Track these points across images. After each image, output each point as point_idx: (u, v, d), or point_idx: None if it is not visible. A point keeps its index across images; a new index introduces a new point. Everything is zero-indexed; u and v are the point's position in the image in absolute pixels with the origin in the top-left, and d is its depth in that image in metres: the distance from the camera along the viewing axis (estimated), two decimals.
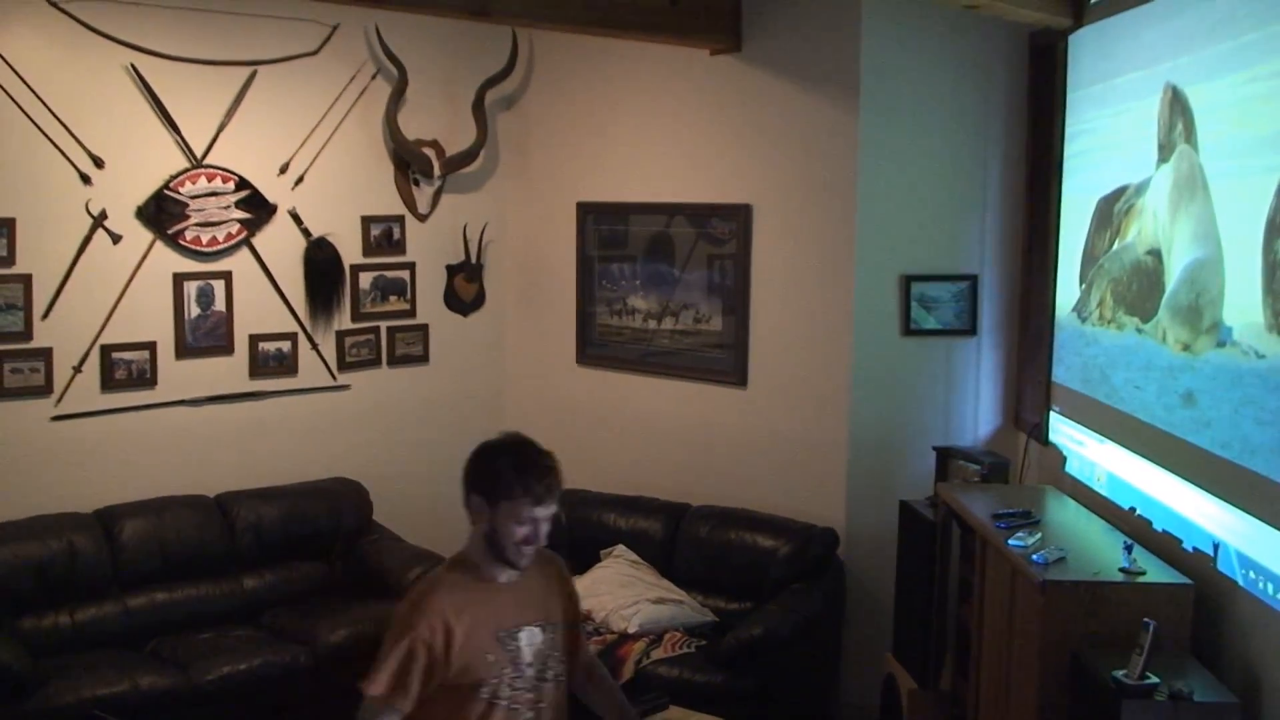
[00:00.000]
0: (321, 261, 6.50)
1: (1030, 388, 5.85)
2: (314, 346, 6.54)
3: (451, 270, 7.03)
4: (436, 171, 6.79)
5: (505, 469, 3.17)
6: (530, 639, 3.15)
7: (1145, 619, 3.57)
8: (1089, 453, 5.16)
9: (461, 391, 7.14)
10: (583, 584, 5.98)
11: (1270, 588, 3.69)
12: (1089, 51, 5.30)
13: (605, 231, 6.79)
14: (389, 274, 6.81)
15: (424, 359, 7.00)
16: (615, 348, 6.79)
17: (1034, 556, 4.13)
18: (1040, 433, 5.66)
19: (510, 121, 7.13)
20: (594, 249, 6.84)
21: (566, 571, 3.42)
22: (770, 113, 6.07)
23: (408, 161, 6.73)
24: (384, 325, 6.82)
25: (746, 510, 6.10)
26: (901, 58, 5.77)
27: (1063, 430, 5.47)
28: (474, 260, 7.05)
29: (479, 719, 3.08)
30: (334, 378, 6.63)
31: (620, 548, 6.20)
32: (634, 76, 6.59)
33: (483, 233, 7.05)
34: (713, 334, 6.37)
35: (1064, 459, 5.43)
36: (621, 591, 5.81)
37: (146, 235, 5.93)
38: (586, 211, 6.85)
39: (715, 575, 6.01)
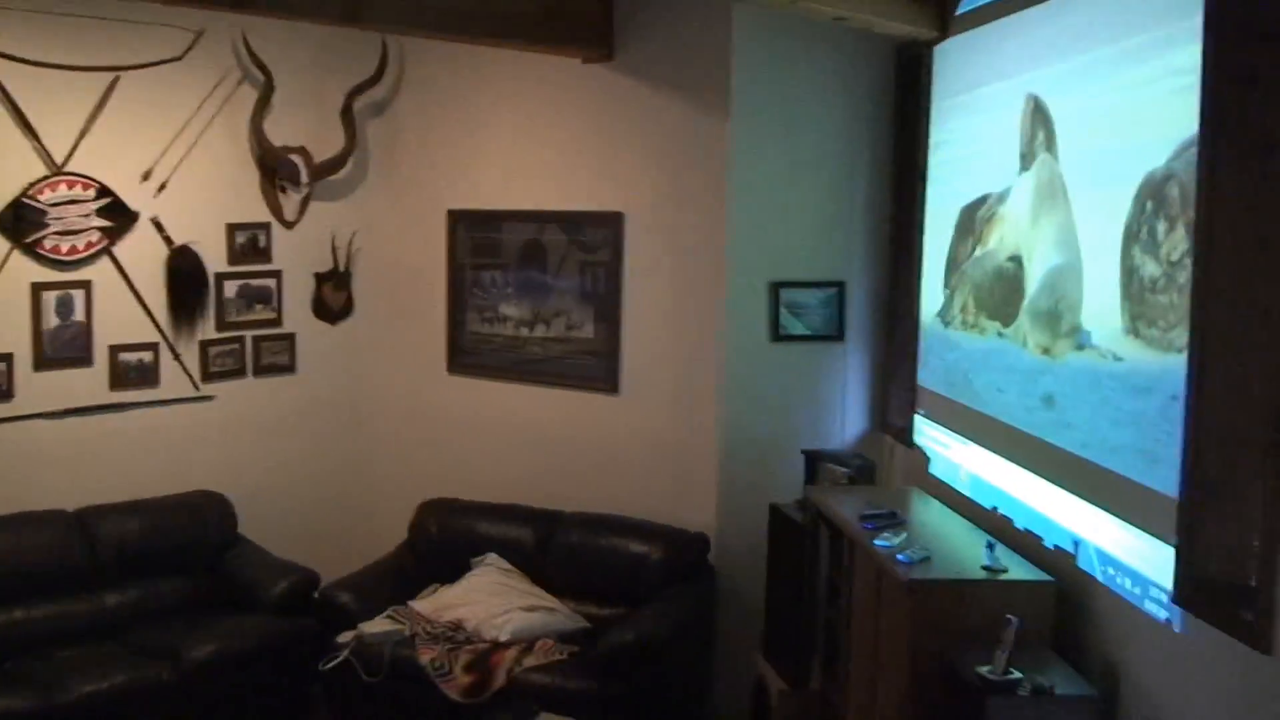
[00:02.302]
0: (184, 270, 6.35)
1: (896, 391, 5.96)
2: (176, 357, 6.39)
3: (320, 278, 6.93)
4: (304, 178, 6.69)
5: None
6: None
7: (1008, 615, 3.66)
8: (953, 454, 5.27)
9: (329, 401, 7.04)
10: (453, 593, 5.95)
11: (1128, 583, 3.80)
12: (954, 62, 5.42)
13: (477, 239, 6.75)
14: (255, 282, 6.69)
15: (290, 369, 6.88)
16: (487, 355, 6.75)
17: (899, 556, 4.20)
18: (906, 435, 5.77)
19: (380, 128, 7.05)
20: (465, 256, 6.80)
21: None
22: (642, 121, 6.10)
23: (274, 168, 6.63)
24: (249, 335, 6.69)
25: (619, 516, 6.11)
26: (772, 68, 5.84)
27: (928, 432, 5.58)
28: (342, 268, 6.96)
29: None
30: (197, 388, 6.48)
31: (491, 556, 6.17)
32: (506, 84, 6.57)
33: (351, 240, 6.97)
34: (585, 341, 6.38)
35: (929, 461, 5.53)
36: (493, 600, 5.78)
37: (3, 244, 5.75)
38: (458, 219, 6.81)
39: (588, 582, 6.01)
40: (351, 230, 6.98)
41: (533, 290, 6.56)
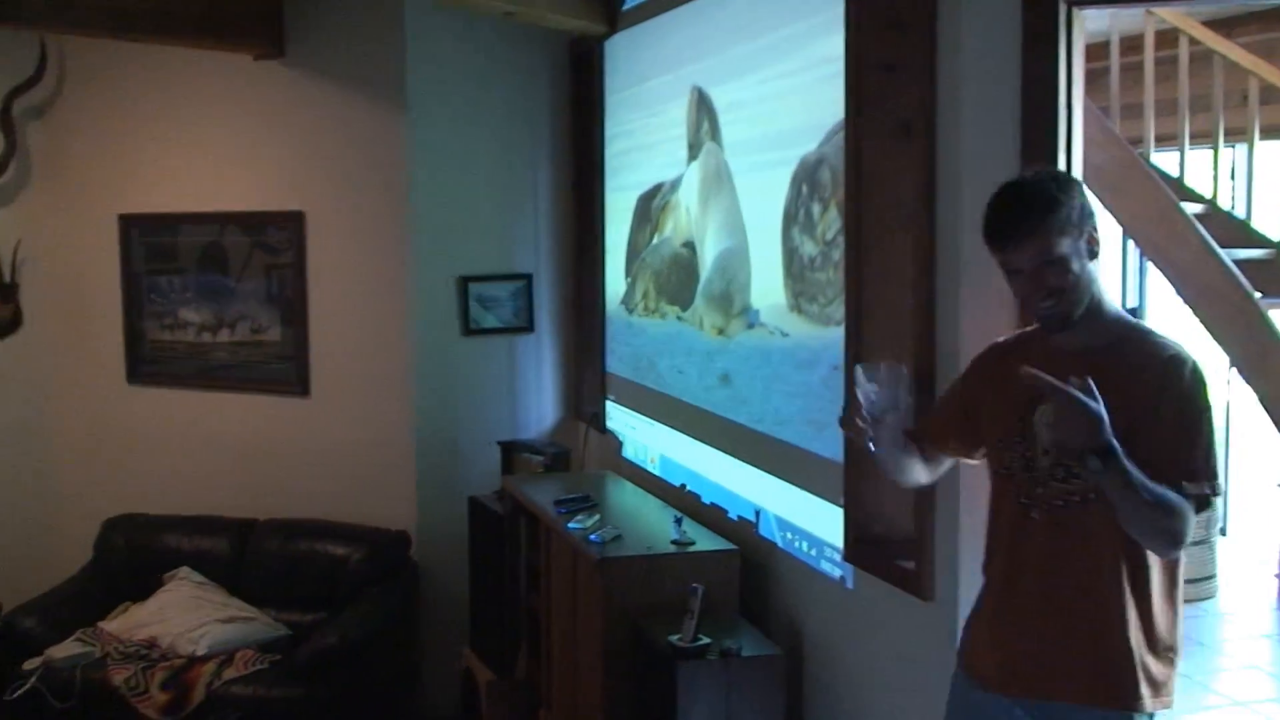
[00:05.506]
0: None
1: (587, 379, 6.09)
2: None
3: None
4: None
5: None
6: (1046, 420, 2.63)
7: (693, 584, 3.81)
8: (642, 436, 5.44)
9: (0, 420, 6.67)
10: (146, 611, 5.75)
11: (805, 545, 4.02)
12: (624, 57, 5.58)
13: (152, 243, 6.52)
14: None
15: None
16: (170, 364, 6.53)
17: (592, 537, 4.32)
18: (598, 421, 5.91)
19: (43, 130, 6.71)
20: (140, 262, 6.55)
21: (1172, 371, 2.57)
22: (319, 118, 6.02)
23: None
24: None
25: (317, 520, 6.02)
26: (449, 62, 5.85)
27: (618, 417, 5.74)
28: (8, 279, 6.61)
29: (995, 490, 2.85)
30: None
31: (185, 569, 5.98)
32: (176, 83, 6.36)
33: (16, 250, 6.62)
34: (273, 344, 6.25)
35: (621, 444, 5.69)
36: (187, 615, 5.61)
37: None
38: (130, 224, 6.55)
39: (288, 589, 5.90)
40: (15, 239, 6.63)
41: (215, 294, 6.39)
